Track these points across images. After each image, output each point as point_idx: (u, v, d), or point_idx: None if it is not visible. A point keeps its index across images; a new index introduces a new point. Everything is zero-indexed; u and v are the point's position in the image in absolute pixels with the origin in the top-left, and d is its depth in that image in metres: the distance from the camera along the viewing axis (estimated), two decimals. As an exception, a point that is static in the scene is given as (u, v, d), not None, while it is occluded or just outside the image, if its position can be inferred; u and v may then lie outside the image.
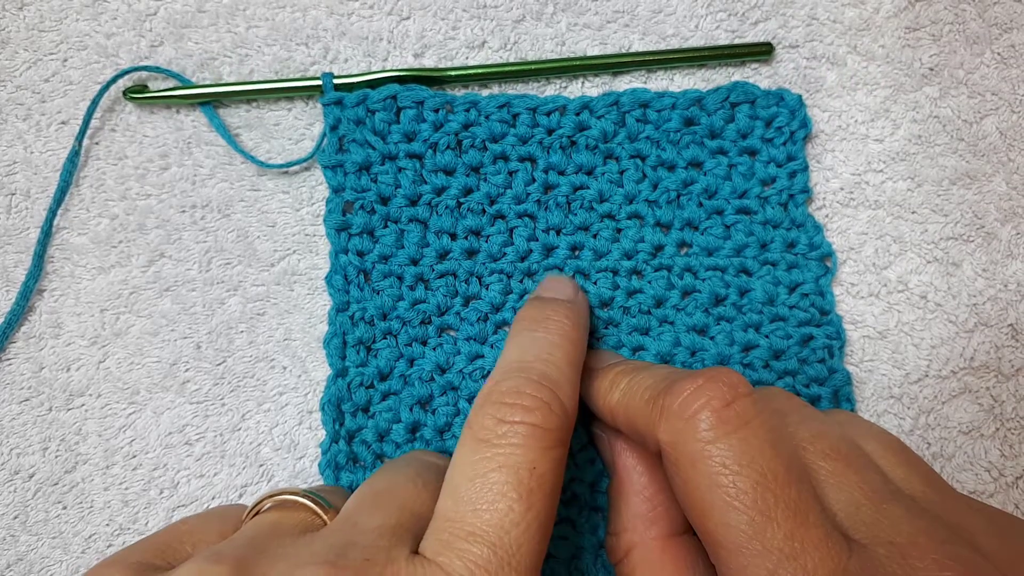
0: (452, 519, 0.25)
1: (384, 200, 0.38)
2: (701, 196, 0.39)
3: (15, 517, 0.38)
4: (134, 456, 0.39)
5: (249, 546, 0.26)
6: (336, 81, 0.39)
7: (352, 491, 0.31)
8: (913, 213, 0.40)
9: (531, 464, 0.25)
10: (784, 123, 0.39)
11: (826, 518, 0.24)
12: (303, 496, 0.29)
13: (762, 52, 0.40)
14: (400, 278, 0.38)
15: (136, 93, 0.39)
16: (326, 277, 0.38)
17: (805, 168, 0.39)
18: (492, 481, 0.25)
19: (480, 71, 0.39)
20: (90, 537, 0.38)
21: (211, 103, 0.40)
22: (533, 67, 0.40)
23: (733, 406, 0.25)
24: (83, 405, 0.39)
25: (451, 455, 0.37)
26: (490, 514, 0.24)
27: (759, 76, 0.41)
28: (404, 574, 0.24)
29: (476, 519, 0.24)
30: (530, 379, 0.28)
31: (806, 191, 0.39)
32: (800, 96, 0.39)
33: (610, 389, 0.30)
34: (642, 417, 0.27)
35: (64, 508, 0.38)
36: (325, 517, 0.28)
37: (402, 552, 0.25)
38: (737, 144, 0.39)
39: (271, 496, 0.29)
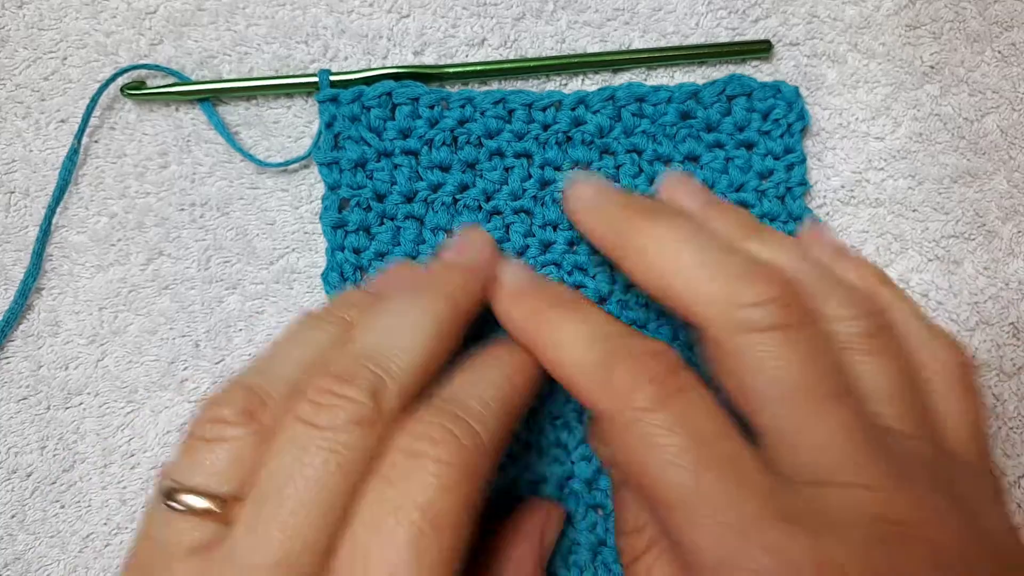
0: None
1: (380, 197, 0.38)
2: (699, 192, 0.38)
3: (12, 516, 0.38)
4: (132, 455, 0.39)
5: None
6: (333, 78, 0.38)
7: None
8: (914, 211, 0.40)
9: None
10: (781, 115, 0.38)
11: (765, 465, 0.25)
12: None
13: (762, 50, 0.40)
14: (397, 275, 0.38)
15: (133, 89, 0.39)
16: (322, 274, 0.38)
17: (803, 161, 0.38)
18: None
19: (479, 68, 0.39)
20: (88, 536, 0.38)
21: (210, 100, 0.40)
22: (532, 64, 0.40)
23: (668, 379, 0.26)
24: (81, 404, 0.39)
25: None
26: None
27: (759, 74, 0.41)
28: None
29: None
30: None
31: (804, 184, 0.38)
32: (797, 88, 0.39)
33: (551, 336, 0.29)
34: (582, 380, 0.27)
35: (62, 507, 0.38)
36: None
37: None
38: (734, 137, 0.38)
39: None
